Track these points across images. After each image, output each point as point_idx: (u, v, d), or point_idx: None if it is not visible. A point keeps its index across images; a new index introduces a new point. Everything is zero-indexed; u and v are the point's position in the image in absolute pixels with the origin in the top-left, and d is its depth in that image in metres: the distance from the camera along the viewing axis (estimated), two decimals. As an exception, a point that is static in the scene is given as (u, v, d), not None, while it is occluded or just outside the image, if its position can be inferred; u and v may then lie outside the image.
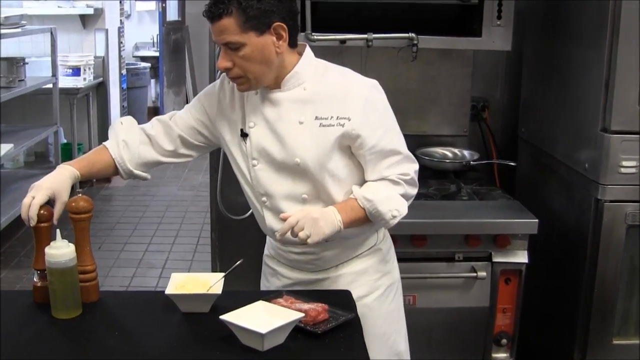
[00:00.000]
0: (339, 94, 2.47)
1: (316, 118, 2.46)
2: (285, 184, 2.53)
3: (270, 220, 2.60)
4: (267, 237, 2.80)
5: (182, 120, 2.69)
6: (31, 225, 2.36)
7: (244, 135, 2.55)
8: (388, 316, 2.74)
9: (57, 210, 2.40)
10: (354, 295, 2.59)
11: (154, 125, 2.73)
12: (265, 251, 2.88)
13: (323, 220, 2.40)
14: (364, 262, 2.69)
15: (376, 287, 2.70)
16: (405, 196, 2.54)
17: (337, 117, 2.44)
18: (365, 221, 2.51)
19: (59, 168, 2.52)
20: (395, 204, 2.49)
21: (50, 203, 2.40)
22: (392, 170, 2.51)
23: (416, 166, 2.59)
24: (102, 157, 2.65)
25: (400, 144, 2.55)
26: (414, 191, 2.59)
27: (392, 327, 2.76)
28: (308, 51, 2.53)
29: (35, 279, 2.44)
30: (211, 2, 2.35)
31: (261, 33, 2.35)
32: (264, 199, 2.58)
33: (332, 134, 2.45)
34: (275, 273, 2.78)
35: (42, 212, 2.36)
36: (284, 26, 2.38)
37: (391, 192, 2.51)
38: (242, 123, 2.56)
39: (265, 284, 2.87)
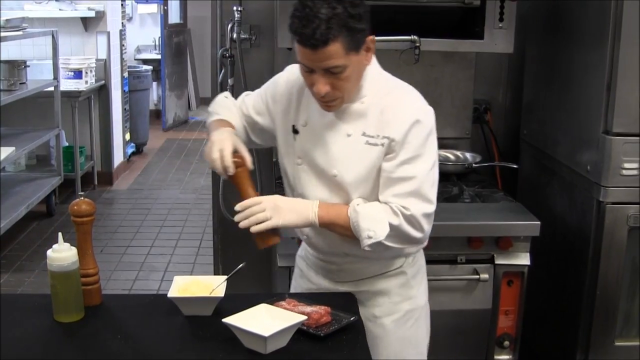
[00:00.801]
0: (391, 113, 2.38)
1: (364, 134, 2.40)
2: (322, 192, 2.48)
3: None
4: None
5: (246, 111, 2.69)
6: (230, 173, 2.39)
7: (295, 131, 2.52)
8: (404, 341, 2.66)
9: (248, 156, 2.43)
10: (371, 314, 2.58)
11: (243, 103, 2.73)
12: (299, 251, 2.87)
13: (288, 210, 2.37)
14: (385, 282, 2.62)
15: (395, 310, 2.63)
16: (397, 230, 2.36)
17: (382, 137, 2.37)
18: (348, 230, 2.39)
19: (218, 127, 2.55)
20: (376, 226, 2.34)
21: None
22: (396, 200, 2.36)
23: (427, 208, 2.39)
24: (228, 125, 2.62)
25: (423, 178, 2.37)
26: (413, 232, 2.39)
27: (408, 353, 2.68)
28: (374, 63, 2.46)
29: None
30: (307, 27, 2.19)
31: (358, 51, 2.28)
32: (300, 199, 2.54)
33: (374, 153, 2.39)
34: (303, 275, 2.78)
35: (234, 159, 2.40)
36: (374, 39, 2.34)
37: (382, 215, 2.36)
38: (295, 119, 2.53)
39: (294, 284, 2.86)
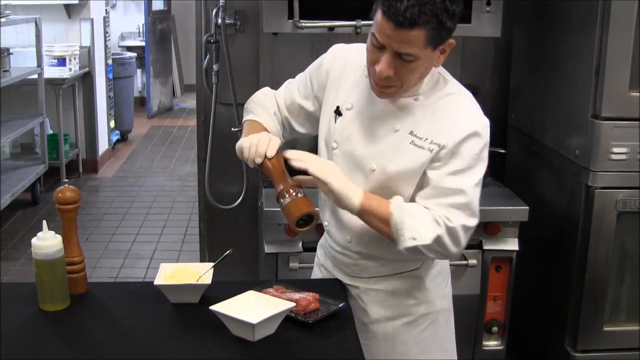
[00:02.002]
0: (445, 120, 2.26)
1: (411, 133, 2.27)
2: (353, 181, 2.36)
3: (329, 211, 2.50)
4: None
5: (290, 98, 2.57)
6: (257, 162, 2.26)
7: (338, 113, 2.40)
8: (415, 345, 2.56)
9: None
10: (383, 315, 2.52)
11: (280, 97, 2.61)
12: (320, 240, 2.76)
13: (336, 174, 2.26)
14: (400, 283, 2.51)
15: (408, 313, 2.53)
16: (438, 240, 2.23)
17: (431, 142, 2.24)
18: (386, 225, 2.26)
19: (251, 131, 2.41)
20: (422, 228, 2.22)
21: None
22: (440, 209, 2.23)
23: (470, 222, 2.26)
24: (261, 130, 2.46)
25: (471, 192, 2.26)
26: (450, 246, 2.25)
27: (418, 357, 2.58)
28: None
29: (285, 199, 2.24)
30: (406, 4, 2.03)
31: (435, 49, 2.14)
32: None
33: (419, 157, 2.25)
34: (319, 263, 2.72)
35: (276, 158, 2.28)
36: (453, 43, 2.20)
37: (427, 219, 2.23)
38: (339, 101, 2.41)
39: (314, 271, 2.80)
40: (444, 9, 2.06)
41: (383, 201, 2.28)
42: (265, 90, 2.65)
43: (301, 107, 2.56)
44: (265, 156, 2.26)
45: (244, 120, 2.59)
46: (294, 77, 2.61)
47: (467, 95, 2.35)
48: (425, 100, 2.30)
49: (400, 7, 2.03)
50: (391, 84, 2.20)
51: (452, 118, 2.26)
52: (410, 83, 2.22)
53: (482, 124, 2.27)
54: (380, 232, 2.31)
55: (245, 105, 2.64)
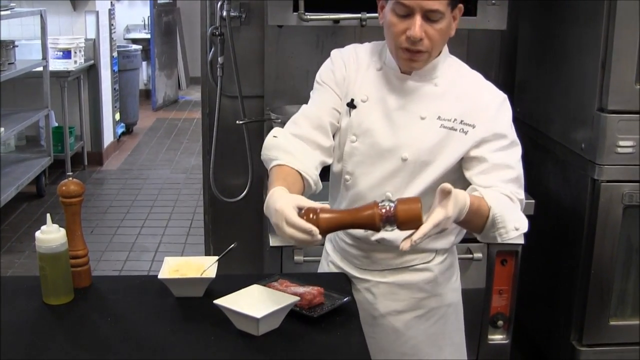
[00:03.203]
0: (468, 98, 2.30)
1: (438, 118, 2.29)
2: (377, 174, 2.35)
3: (346, 203, 2.44)
4: None
5: (324, 106, 2.43)
6: (318, 236, 2.01)
7: (353, 106, 2.38)
8: (425, 339, 2.56)
9: (311, 203, 2.08)
10: (393, 309, 2.51)
11: (300, 123, 2.42)
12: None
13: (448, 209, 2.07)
14: (410, 276, 2.50)
15: (418, 306, 2.52)
16: None
17: (461, 122, 2.28)
18: (478, 225, 2.23)
19: (273, 191, 2.15)
20: (520, 216, 2.26)
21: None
22: (505, 185, 2.26)
23: (523, 191, 2.33)
24: (288, 172, 2.30)
25: (518, 163, 2.33)
26: None
27: (427, 351, 2.57)
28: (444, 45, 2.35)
29: (392, 224, 2.03)
30: None
31: (452, 9, 2.21)
32: (348, 177, 2.41)
33: (453, 139, 2.28)
34: (328, 257, 2.68)
35: (310, 216, 2.03)
36: (462, 8, 2.27)
37: (514, 203, 2.26)
38: (353, 93, 2.39)
39: (321, 265, 2.76)
40: None
41: (480, 202, 2.20)
42: (276, 131, 2.46)
43: (336, 110, 2.44)
44: (318, 223, 2.05)
45: (268, 168, 2.39)
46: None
47: (478, 74, 2.41)
48: (444, 83, 2.33)
49: None
50: (422, 49, 2.21)
51: (477, 97, 2.32)
52: (437, 47, 2.25)
53: (505, 98, 2.35)
54: (469, 227, 2.30)
55: (262, 157, 2.45)
